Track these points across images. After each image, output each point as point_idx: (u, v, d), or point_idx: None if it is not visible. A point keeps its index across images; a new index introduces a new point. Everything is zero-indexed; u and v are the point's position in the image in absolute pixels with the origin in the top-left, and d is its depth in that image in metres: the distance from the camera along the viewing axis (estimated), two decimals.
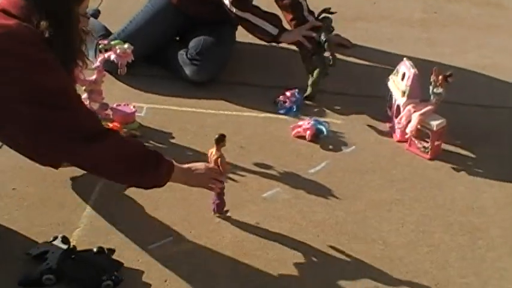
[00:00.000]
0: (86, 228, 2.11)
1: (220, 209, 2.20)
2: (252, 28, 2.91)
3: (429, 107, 2.54)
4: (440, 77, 2.51)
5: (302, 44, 2.90)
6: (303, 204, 2.29)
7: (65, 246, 1.94)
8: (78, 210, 2.19)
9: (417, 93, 2.59)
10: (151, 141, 2.55)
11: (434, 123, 2.50)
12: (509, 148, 2.65)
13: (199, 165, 2.08)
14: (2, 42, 1.75)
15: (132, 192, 2.24)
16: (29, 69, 1.77)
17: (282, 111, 2.79)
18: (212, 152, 2.13)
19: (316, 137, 2.63)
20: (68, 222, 2.13)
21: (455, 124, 2.63)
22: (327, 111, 2.82)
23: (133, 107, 2.62)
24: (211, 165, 2.11)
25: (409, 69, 2.59)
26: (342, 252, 2.09)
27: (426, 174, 2.48)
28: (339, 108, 2.83)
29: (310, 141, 2.61)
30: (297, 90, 2.84)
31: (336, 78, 2.91)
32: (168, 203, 2.24)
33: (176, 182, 2.04)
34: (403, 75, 2.63)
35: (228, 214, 2.20)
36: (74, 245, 1.96)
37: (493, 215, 2.29)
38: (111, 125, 2.50)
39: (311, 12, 3.01)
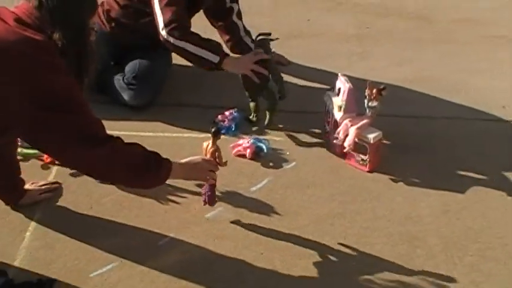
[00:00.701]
0: (25, 260, 2.06)
1: (211, 201, 2.24)
2: (191, 57, 2.79)
3: (365, 121, 2.59)
4: (374, 91, 2.57)
5: (247, 76, 2.80)
6: (246, 223, 2.29)
7: (2, 280, 1.89)
8: (17, 241, 2.14)
9: (353, 107, 2.65)
10: None
11: (371, 136, 2.56)
12: (442, 157, 2.73)
13: (197, 159, 2.17)
14: (18, 46, 1.80)
15: (72, 219, 2.20)
16: (41, 72, 1.82)
17: (221, 131, 2.79)
18: (208, 145, 2.18)
19: (257, 154, 2.65)
20: (6, 255, 2.07)
21: (391, 136, 2.70)
22: (266, 128, 2.85)
23: None
24: (208, 157, 2.18)
25: (344, 84, 2.64)
26: (287, 268, 2.11)
27: (365, 186, 2.52)
28: (278, 125, 2.86)
29: (250, 159, 2.63)
30: (235, 109, 2.85)
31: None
32: (108, 230, 2.22)
33: (176, 179, 2.14)
34: (339, 90, 2.68)
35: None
36: (11, 278, 1.91)
37: (430, 224, 2.34)
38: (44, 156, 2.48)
39: (247, 32, 3.04)
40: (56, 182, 2.43)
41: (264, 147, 2.66)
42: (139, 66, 2.93)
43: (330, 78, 2.84)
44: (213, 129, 2.18)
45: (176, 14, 2.73)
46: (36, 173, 2.46)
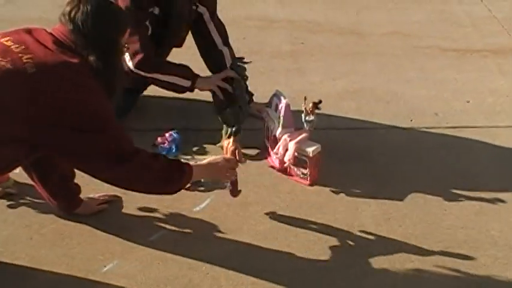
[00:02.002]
0: None
1: (235, 193, 2.37)
2: (162, 85, 2.85)
3: (304, 135, 2.63)
4: (310, 105, 2.61)
5: (215, 94, 2.87)
6: (189, 244, 2.29)
7: None
8: None
9: (291, 122, 2.68)
10: (28, 197, 2.46)
11: (310, 150, 2.59)
12: (381, 166, 2.79)
13: (218, 159, 2.30)
14: (57, 69, 1.90)
15: (10, 252, 2.15)
16: (78, 95, 1.91)
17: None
18: (229, 143, 2.38)
19: (195, 184, 2.57)
20: None
21: (330, 148, 2.74)
22: (207, 147, 2.84)
23: None
24: (228, 156, 2.34)
25: (281, 100, 2.67)
26: (233, 286, 2.10)
27: (307, 199, 2.55)
28: (217, 144, 2.86)
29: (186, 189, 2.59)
30: (174, 130, 2.85)
31: (213, 114, 2.94)
32: (49, 260, 2.18)
33: (199, 179, 2.35)
34: (276, 106, 2.71)
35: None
36: None
37: (373, 232, 2.38)
38: None
39: (227, 44, 3.03)
40: (115, 195, 2.46)
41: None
42: None
43: (267, 94, 2.86)
44: (234, 129, 2.35)
45: (142, 45, 2.72)
46: None
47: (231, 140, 2.33)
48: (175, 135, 2.83)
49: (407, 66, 3.71)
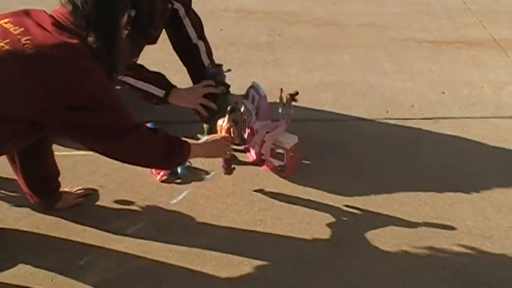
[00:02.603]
0: None
1: (229, 170, 2.47)
2: (135, 92, 2.73)
3: (281, 127, 2.63)
4: (287, 97, 2.61)
5: (198, 111, 2.75)
6: (167, 236, 2.28)
7: None
8: None
9: (268, 114, 2.68)
10: (2, 191, 2.45)
11: (287, 142, 2.59)
12: (358, 158, 2.80)
13: (214, 137, 2.37)
14: (56, 50, 1.89)
15: None
16: (77, 75, 1.91)
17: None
18: (223, 122, 2.38)
19: (172, 176, 2.60)
20: None
21: (307, 140, 2.75)
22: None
23: None
24: (223, 134, 2.37)
25: (258, 92, 2.67)
26: (210, 278, 2.11)
27: (284, 192, 2.56)
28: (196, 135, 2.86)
29: (161, 181, 2.58)
30: (151, 123, 2.83)
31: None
32: (25, 254, 2.16)
33: (197, 157, 2.38)
34: (253, 98, 2.71)
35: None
36: None
37: (350, 224, 2.40)
38: None
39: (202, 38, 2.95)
40: (91, 188, 2.50)
41: (178, 170, 2.61)
42: None
43: (244, 86, 2.85)
44: (229, 107, 2.37)
45: None
46: None
47: (226, 118, 2.35)
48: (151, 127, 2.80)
49: (383, 58, 3.73)
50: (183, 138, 2.21)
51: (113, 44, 2.04)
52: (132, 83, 2.70)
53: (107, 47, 2.00)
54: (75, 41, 1.93)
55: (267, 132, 2.62)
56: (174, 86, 2.77)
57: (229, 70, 2.82)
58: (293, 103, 2.62)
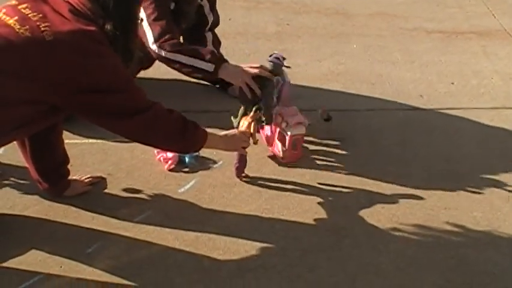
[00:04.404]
0: None
1: (240, 172, 2.48)
2: (185, 69, 2.70)
3: (298, 115, 2.62)
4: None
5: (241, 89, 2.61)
6: (174, 225, 2.29)
7: None
8: None
9: (289, 100, 2.65)
10: (12, 178, 2.46)
11: (290, 130, 2.58)
12: (365, 148, 2.80)
13: (234, 131, 2.42)
14: (73, 37, 1.92)
15: None
16: (93, 61, 1.95)
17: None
18: (247, 117, 2.43)
19: (180, 165, 2.61)
20: None
21: (314, 130, 2.75)
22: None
23: None
24: (243, 129, 2.40)
25: (284, 79, 2.63)
26: (217, 266, 2.12)
27: (291, 181, 2.56)
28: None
29: (170, 170, 2.59)
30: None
31: (200, 97, 2.94)
32: (34, 241, 2.17)
33: (216, 149, 2.39)
34: (277, 82, 2.62)
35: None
36: None
37: (356, 214, 2.40)
38: None
39: (217, 43, 2.99)
40: (100, 177, 2.51)
41: (186, 159, 2.63)
42: None
43: None
44: (256, 106, 2.44)
45: (165, 27, 2.68)
46: None
47: (250, 114, 2.40)
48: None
49: (392, 48, 3.72)
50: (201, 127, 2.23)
51: (130, 32, 2.08)
52: (181, 60, 2.67)
53: (124, 35, 2.03)
54: (92, 27, 1.96)
55: (285, 119, 2.60)
56: (224, 61, 2.72)
57: (289, 67, 2.71)
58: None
